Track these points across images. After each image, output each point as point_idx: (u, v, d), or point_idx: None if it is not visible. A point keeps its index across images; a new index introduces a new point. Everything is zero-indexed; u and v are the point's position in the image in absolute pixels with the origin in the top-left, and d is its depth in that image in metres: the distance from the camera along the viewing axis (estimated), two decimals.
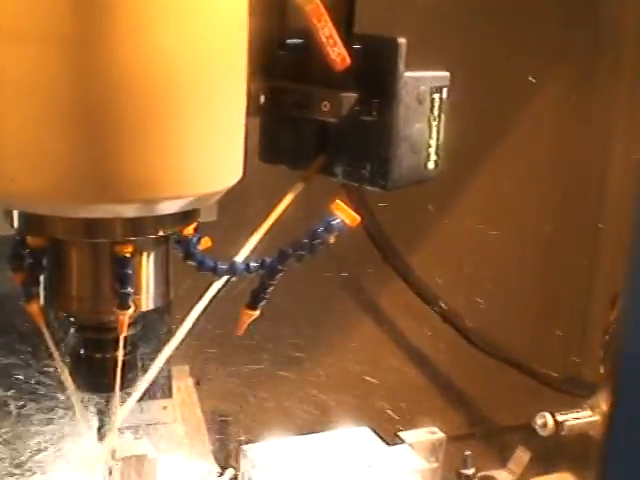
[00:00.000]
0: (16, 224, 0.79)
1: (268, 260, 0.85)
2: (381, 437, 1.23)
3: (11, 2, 0.68)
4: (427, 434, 1.25)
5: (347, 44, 0.81)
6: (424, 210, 1.54)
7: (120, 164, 0.71)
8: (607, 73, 1.59)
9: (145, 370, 0.90)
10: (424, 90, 0.87)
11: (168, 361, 1.24)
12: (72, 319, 0.84)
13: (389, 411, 1.43)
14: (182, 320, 0.90)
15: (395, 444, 1.23)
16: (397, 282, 1.53)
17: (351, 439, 1.22)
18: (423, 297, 1.53)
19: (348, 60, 0.81)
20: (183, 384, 1.32)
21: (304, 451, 1.18)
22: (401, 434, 1.24)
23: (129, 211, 0.75)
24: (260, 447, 1.19)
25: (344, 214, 0.84)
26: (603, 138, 1.66)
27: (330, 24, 0.79)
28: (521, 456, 1.37)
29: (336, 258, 1.48)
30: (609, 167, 1.68)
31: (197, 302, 0.89)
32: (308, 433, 1.23)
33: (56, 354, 0.86)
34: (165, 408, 1.29)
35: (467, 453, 1.28)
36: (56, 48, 0.68)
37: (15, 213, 0.79)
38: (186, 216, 0.80)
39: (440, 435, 1.25)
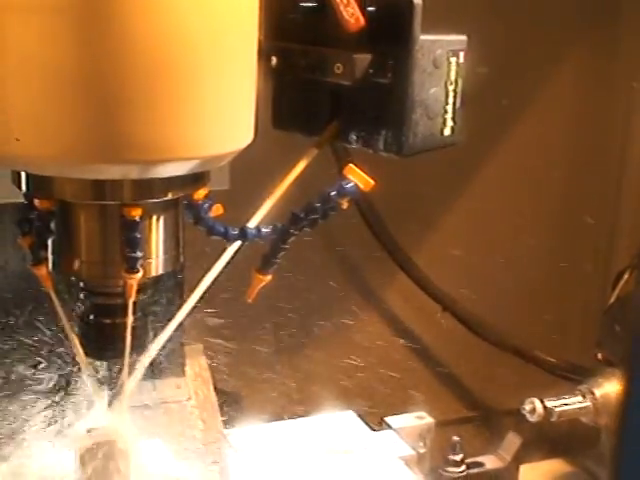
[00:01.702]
0: (24, 187, 0.78)
1: (280, 225, 0.83)
2: (366, 422, 1.20)
3: None
4: (415, 419, 1.22)
5: (361, 5, 0.79)
6: (426, 198, 1.53)
7: (128, 124, 0.70)
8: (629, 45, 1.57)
9: (156, 337, 0.88)
10: (440, 54, 0.84)
11: (181, 339, 1.25)
12: (81, 284, 0.82)
13: (378, 395, 1.42)
14: (195, 287, 0.88)
15: (383, 429, 1.21)
16: (397, 270, 1.53)
17: (335, 424, 1.19)
18: (420, 284, 1.53)
19: (362, 21, 0.79)
20: (196, 363, 1.31)
21: (285, 436, 1.15)
22: (387, 419, 1.21)
23: (137, 172, 0.73)
24: (240, 432, 1.16)
25: (357, 178, 0.82)
26: (623, 121, 1.65)
27: None
28: (512, 442, 1.34)
29: (338, 248, 1.48)
30: (628, 152, 1.67)
31: (210, 269, 0.88)
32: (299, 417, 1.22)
33: (64, 319, 0.85)
34: (179, 387, 1.27)
35: (455, 438, 1.25)
36: (64, 16, 0.67)
37: (23, 175, 0.78)
38: (196, 179, 0.79)
39: (428, 420, 1.22)
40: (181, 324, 0.92)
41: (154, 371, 1.21)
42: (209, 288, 0.88)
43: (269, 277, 0.86)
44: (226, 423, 1.25)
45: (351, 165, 0.83)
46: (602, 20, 1.58)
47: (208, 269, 0.88)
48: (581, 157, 1.67)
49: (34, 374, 1.07)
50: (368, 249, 1.51)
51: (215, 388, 1.29)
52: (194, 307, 0.90)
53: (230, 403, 1.33)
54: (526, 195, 1.63)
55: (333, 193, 0.81)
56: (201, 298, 0.89)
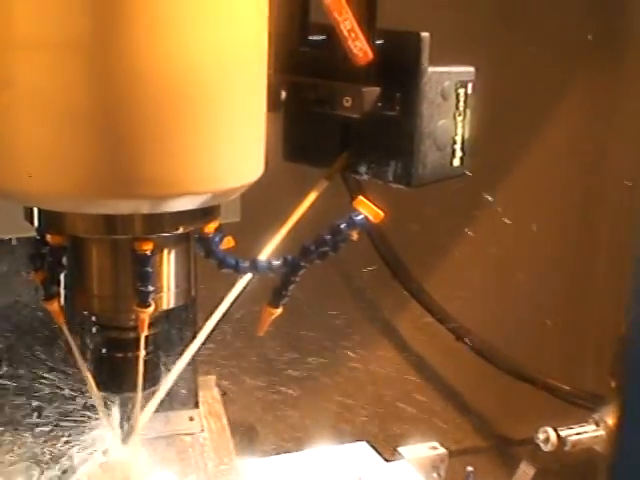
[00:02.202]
0: (36, 222, 0.79)
1: (290, 257, 0.83)
2: (380, 452, 1.19)
3: (29, 11, 0.68)
4: (428, 449, 1.20)
5: (369, 39, 0.80)
6: (439, 227, 1.53)
7: (139, 160, 0.70)
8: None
9: (168, 371, 0.88)
10: (449, 85, 0.85)
11: (194, 371, 1.25)
12: (93, 318, 0.83)
13: (391, 425, 1.41)
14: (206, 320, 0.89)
15: (396, 460, 1.19)
16: (409, 300, 1.53)
17: (348, 455, 1.18)
18: (433, 313, 1.52)
19: (370, 54, 0.79)
20: (209, 394, 1.31)
21: (298, 467, 1.14)
22: (401, 449, 1.19)
23: (148, 207, 0.74)
24: (254, 463, 1.16)
25: (367, 210, 0.82)
26: (634, 143, 1.65)
27: (352, 18, 0.78)
28: (525, 471, 1.32)
29: (351, 277, 1.48)
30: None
31: (220, 302, 0.88)
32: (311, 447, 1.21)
33: (77, 354, 0.85)
34: (192, 419, 1.27)
35: (469, 469, 1.23)
36: (74, 52, 0.68)
37: (35, 211, 0.78)
38: (206, 213, 0.79)
39: (441, 451, 1.20)
40: (194, 356, 0.92)
41: (167, 403, 1.21)
42: (221, 320, 0.88)
43: (279, 310, 0.86)
44: (238, 454, 1.25)
45: (361, 197, 0.83)
46: (607, 47, 1.59)
47: (220, 301, 0.89)
48: (594, 184, 1.67)
49: None
50: (380, 278, 1.51)
51: (227, 419, 1.29)
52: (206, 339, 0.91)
53: (241, 434, 1.33)
54: (539, 223, 1.63)
55: (343, 225, 0.82)
56: (213, 330, 0.90)
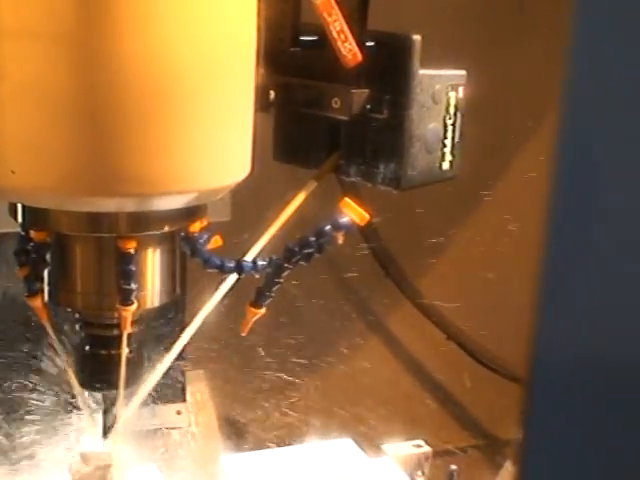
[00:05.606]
0: (20, 218, 0.79)
1: (275, 258, 0.83)
2: (364, 449, 1.19)
3: (14, 1, 0.68)
4: (412, 447, 1.18)
5: (360, 40, 0.79)
6: (431, 227, 1.53)
7: (123, 158, 0.70)
8: None
9: (154, 369, 0.88)
10: (439, 89, 0.84)
11: (183, 365, 1.25)
12: (77, 315, 0.83)
13: (377, 422, 1.41)
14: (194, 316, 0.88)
15: (380, 457, 1.18)
16: (402, 299, 1.52)
17: (332, 451, 1.17)
18: (425, 312, 1.52)
19: (359, 56, 0.79)
20: (198, 389, 1.31)
21: (283, 463, 1.14)
22: (385, 447, 1.17)
23: (133, 205, 0.74)
24: (238, 458, 1.16)
25: (353, 212, 0.82)
26: None
27: (341, 19, 0.78)
28: (509, 471, 1.31)
29: (344, 275, 1.48)
30: None
31: (207, 301, 0.88)
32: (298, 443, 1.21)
33: (60, 350, 0.85)
34: (179, 413, 1.28)
35: (453, 467, 1.22)
36: (58, 46, 0.68)
37: (19, 207, 0.78)
38: (191, 212, 0.79)
39: (426, 449, 1.18)
40: (181, 352, 0.92)
41: (155, 397, 1.21)
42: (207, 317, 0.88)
43: (263, 310, 0.85)
44: (225, 449, 1.25)
45: (346, 199, 0.83)
46: None
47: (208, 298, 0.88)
48: None
49: None
50: (373, 277, 1.51)
51: (216, 414, 1.30)
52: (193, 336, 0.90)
53: (230, 429, 1.33)
54: (535, 225, 1.62)
55: (327, 227, 0.81)
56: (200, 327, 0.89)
